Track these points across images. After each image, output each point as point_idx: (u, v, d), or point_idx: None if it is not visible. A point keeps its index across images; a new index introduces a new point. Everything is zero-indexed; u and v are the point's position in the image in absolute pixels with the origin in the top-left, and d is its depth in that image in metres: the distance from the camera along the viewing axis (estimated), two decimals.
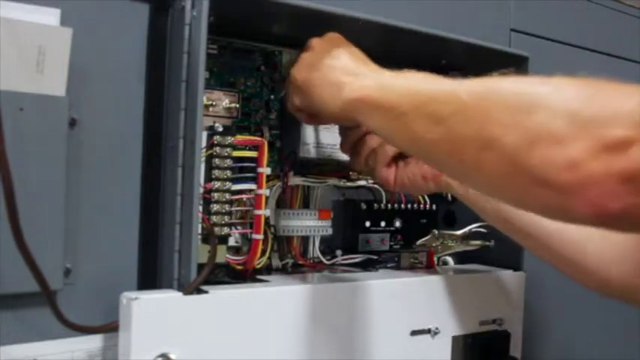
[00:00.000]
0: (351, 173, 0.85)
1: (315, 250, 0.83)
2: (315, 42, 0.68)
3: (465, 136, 0.47)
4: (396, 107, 0.53)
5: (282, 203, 0.80)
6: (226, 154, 0.71)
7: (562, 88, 0.44)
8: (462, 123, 0.47)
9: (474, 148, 0.46)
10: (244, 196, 0.74)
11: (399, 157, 0.73)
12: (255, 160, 0.74)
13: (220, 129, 0.72)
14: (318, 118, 0.67)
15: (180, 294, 0.61)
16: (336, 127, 0.80)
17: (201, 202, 0.68)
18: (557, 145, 0.41)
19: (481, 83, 0.48)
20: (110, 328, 0.63)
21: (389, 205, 0.88)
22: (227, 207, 0.71)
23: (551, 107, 0.42)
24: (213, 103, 0.74)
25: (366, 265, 0.85)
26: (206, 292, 0.62)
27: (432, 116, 0.49)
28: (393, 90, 0.55)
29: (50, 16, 0.60)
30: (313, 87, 0.64)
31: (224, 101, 0.75)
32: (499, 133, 0.44)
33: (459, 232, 0.86)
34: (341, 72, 0.62)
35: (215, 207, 0.70)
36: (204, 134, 0.70)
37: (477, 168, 0.47)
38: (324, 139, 0.80)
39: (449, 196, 0.93)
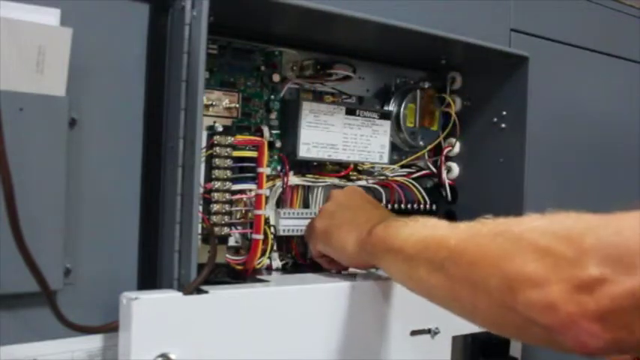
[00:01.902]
0: (351, 173, 0.85)
1: None
2: (335, 192, 0.76)
3: (459, 281, 0.50)
4: (402, 250, 0.58)
5: (282, 203, 0.80)
6: (226, 154, 0.71)
7: (534, 228, 0.46)
8: (454, 268, 0.51)
9: (467, 292, 0.49)
10: (244, 196, 0.74)
11: None
12: (255, 160, 0.74)
13: (220, 129, 0.72)
14: (338, 262, 0.73)
15: (180, 294, 0.61)
16: (336, 126, 0.81)
17: (201, 202, 0.68)
18: (535, 289, 0.43)
19: (468, 229, 0.52)
20: (110, 328, 0.63)
21: (389, 206, 0.88)
22: (227, 207, 0.71)
23: (525, 250, 0.45)
24: (213, 103, 0.74)
25: None
26: (206, 292, 0.62)
27: (431, 261, 0.53)
28: (400, 233, 0.59)
29: (50, 16, 0.60)
30: (332, 232, 0.71)
31: (224, 101, 0.75)
32: (484, 277, 0.47)
33: None
34: (358, 215, 0.69)
35: (215, 207, 0.70)
36: (204, 134, 0.70)
37: (474, 310, 0.50)
38: (324, 139, 0.80)
39: (448, 195, 0.93)
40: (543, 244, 0.44)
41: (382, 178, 0.88)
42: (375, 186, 0.87)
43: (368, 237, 0.64)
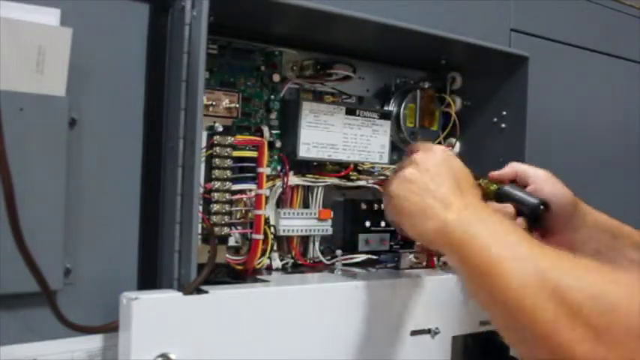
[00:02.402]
0: (351, 173, 0.85)
1: (315, 250, 0.83)
2: (419, 159, 0.66)
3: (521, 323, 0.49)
4: (465, 262, 0.56)
5: (282, 203, 0.80)
6: (226, 154, 0.71)
7: None
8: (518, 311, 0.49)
9: (529, 342, 0.49)
10: (244, 196, 0.74)
11: None
12: (255, 160, 0.74)
13: (220, 129, 0.72)
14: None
15: (180, 294, 0.61)
16: (336, 126, 0.81)
17: (201, 202, 0.68)
18: None
19: (550, 270, 0.50)
20: (110, 328, 0.63)
21: None
22: (227, 207, 0.71)
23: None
24: (213, 103, 0.74)
25: (366, 265, 0.85)
26: (206, 292, 0.62)
27: (490, 294, 0.53)
28: (471, 242, 0.56)
29: (50, 16, 0.60)
30: (407, 210, 0.64)
31: (224, 101, 0.75)
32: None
33: None
34: (433, 197, 0.62)
35: (215, 207, 0.70)
36: (204, 134, 0.70)
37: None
38: (324, 139, 0.80)
39: None
40: None
41: (382, 178, 0.88)
42: (375, 186, 0.87)
43: (435, 227, 0.60)
